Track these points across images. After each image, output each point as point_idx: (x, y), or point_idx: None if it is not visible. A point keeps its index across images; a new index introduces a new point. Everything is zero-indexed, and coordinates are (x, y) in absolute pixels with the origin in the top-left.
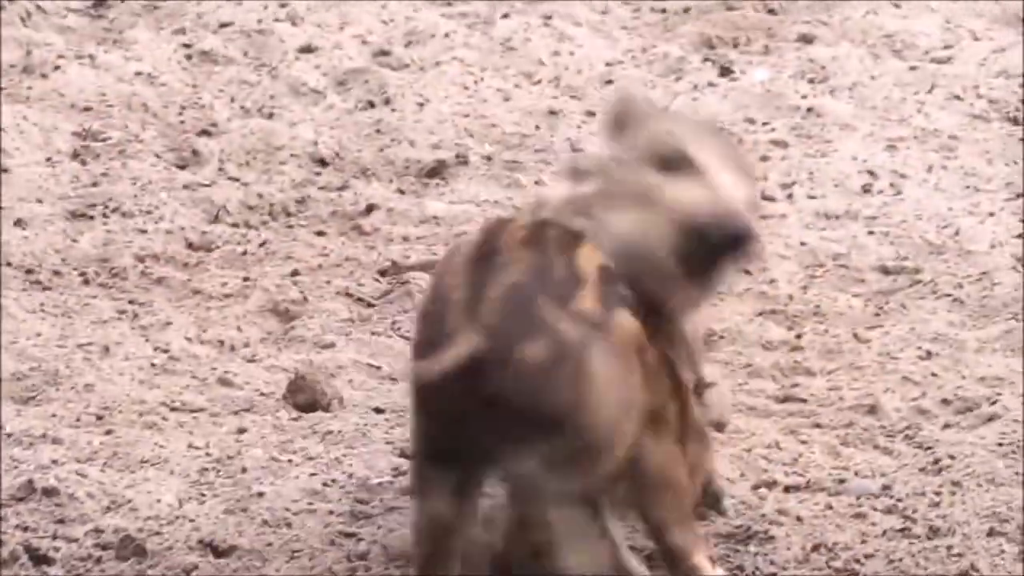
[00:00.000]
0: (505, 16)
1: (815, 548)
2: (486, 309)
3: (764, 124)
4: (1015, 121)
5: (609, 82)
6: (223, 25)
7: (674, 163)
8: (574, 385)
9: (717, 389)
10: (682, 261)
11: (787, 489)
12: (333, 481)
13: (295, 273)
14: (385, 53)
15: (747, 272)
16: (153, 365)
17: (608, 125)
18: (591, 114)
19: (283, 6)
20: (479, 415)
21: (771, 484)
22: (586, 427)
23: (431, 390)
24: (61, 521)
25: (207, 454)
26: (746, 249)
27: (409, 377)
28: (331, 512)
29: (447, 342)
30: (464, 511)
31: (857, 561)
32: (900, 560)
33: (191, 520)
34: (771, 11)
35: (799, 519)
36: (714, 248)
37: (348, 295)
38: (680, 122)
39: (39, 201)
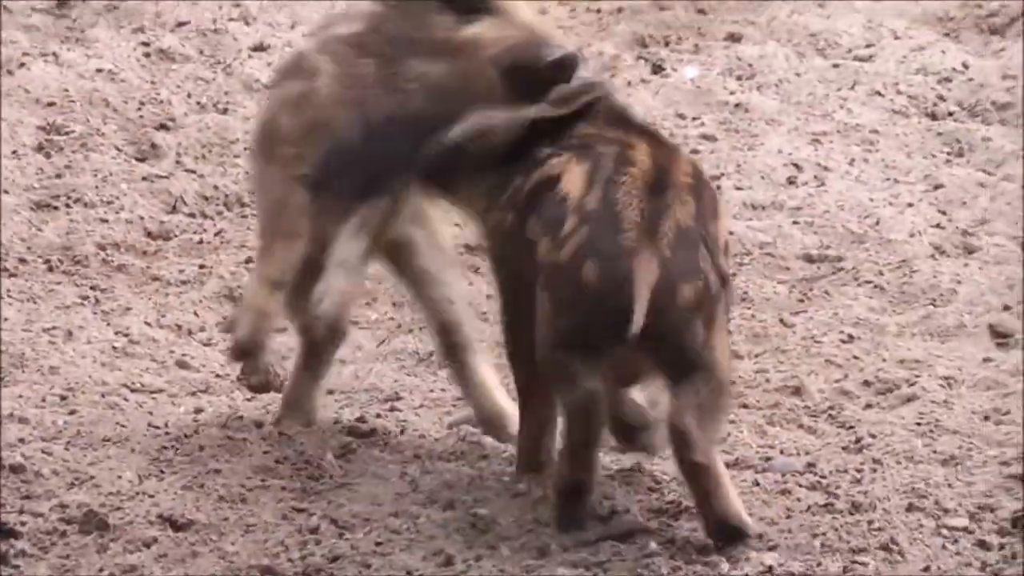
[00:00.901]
0: None
1: None
2: (662, 241)
3: (694, 119)
4: (933, 116)
5: None
6: (180, 24)
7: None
8: (709, 331)
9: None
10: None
11: None
12: (285, 459)
13: (249, 260)
14: None
15: None
16: (114, 348)
17: None
18: None
19: (236, 6)
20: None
21: None
22: (713, 368)
23: (605, 291)
24: (27, 497)
25: (166, 433)
26: (572, 70)
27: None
28: (283, 488)
29: (624, 255)
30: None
31: (783, 534)
32: (823, 534)
33: (151, 496)
34: (700, 11)
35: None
36: (542, 78)
37: None
38: None
39: (5, 192)
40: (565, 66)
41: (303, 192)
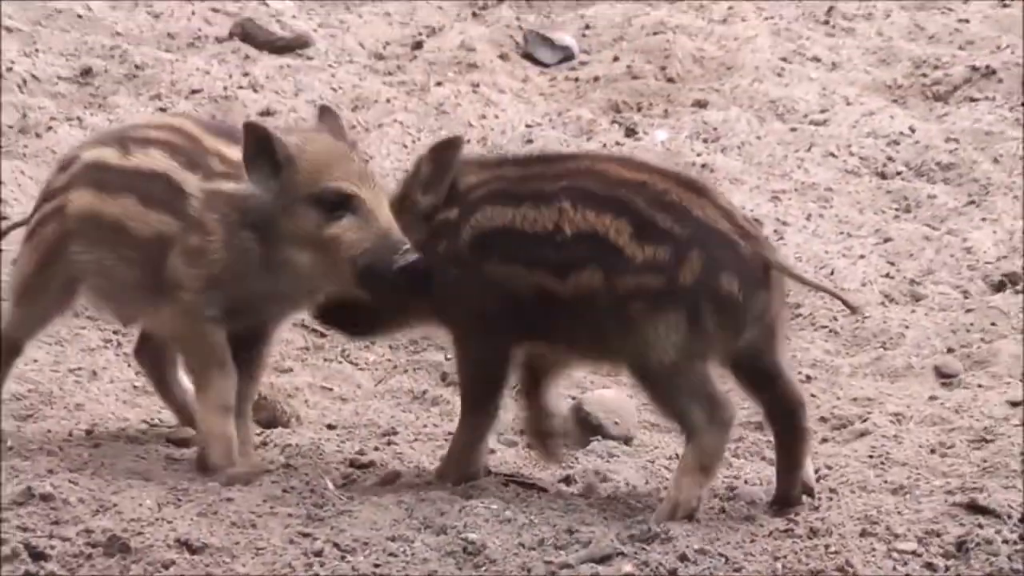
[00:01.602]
0: (439, 84)
1: (711, 545)
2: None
3: None
4: (882, 176)
5: (529, 141)
6: (193, 92)
7: (336, 204)
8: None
9: (625, 408)
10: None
11: None
12: (292, 488)
13: None
14: None
15: None
16: (135, 387)
17: (250, 158)
18: None
19: (245, 75)
20: None
21: None
22: None
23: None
24: (56, 523)
25: (182, 464)
26: (407, 278)
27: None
28: (290, 515)
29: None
30: None
31: (747, 557)
32: (784, 557)
33: (169, 522)
34: (670, 80)
35: (697, 521)
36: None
37: (304, 326)
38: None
39: None
40: (412, 271)
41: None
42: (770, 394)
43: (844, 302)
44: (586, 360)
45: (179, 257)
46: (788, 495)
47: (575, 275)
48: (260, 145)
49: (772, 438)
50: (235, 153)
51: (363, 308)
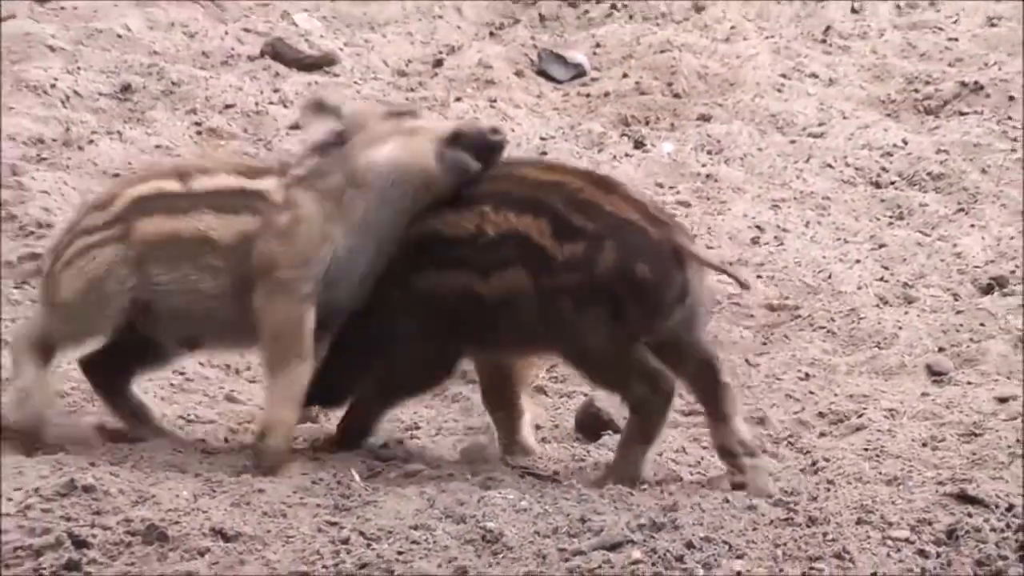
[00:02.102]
0: (458, 99)
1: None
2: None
3: (671, 188)
4: (877, 185)
5: (543, 153)
6: (227, 107)
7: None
8: None
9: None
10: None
11: (692, 486)
12: (320, 480)
13: None
14: None
15: None
16: (172, 385)
17: (308, 113)
18: None
19: (275, 91)
20: None
21: (679, 481)
22: None
23: None
24: (98, 513)
25: (216, 457)
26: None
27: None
28: (318, 505)
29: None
30: None
31: (749, 544)
32: (784, 544)
33: (204, 512)
34: (676, 95)
35: (702, 510)
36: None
37: None
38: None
39: None
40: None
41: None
42: (689, 363)
43: (736, 279)
44: (517, 357)
45: (270, 240)
46: (725, 447)
47: (499, 275)
48: (320, 113)
49: (700, 404)
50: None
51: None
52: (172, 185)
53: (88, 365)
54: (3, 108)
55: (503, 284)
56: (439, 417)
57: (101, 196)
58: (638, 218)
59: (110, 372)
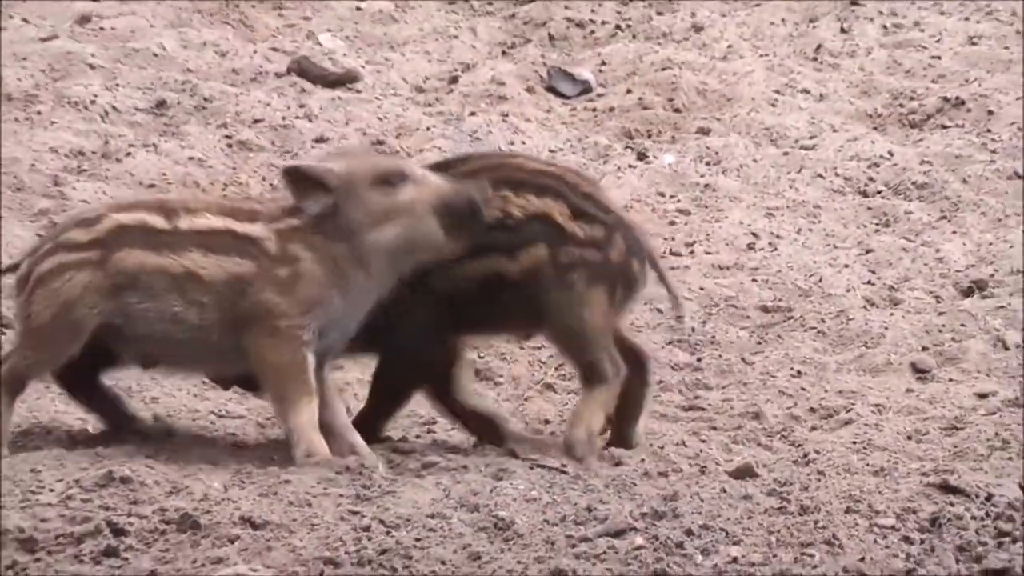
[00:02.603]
0: (472, 114)
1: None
2: None
3: (671, 197)
4: (864, 194)
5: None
6: (256, 121)
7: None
8: None
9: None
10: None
11: (691, 476)
12: (343, 471)
13: None
14: (380, 142)
15: (658, 311)
16: (204, 382)
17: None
18: None
19: (301, 106)
20: None
21: (679, 472)
22: None
23: None
24: (134, 502)
25: (245, 451)
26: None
27: None
28: (341, 495)
29: None
30: None
31: (745, 532)
32: (778, 531)
33: (234, 501)
34: (676, 110)
35: (701, 500)
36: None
37: None
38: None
39: None
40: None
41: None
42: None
43: (674, 297)
44: (507, 337)
45: (267, 288)
46: (624, 438)
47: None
48: (304, 183)
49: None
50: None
51: None
52: (157, 220)
53: (56, 375)
54: (47, 123)
55: (528, 260)
56: None
57: (87, 213)
58: (630, 218)
59: (78, 373)
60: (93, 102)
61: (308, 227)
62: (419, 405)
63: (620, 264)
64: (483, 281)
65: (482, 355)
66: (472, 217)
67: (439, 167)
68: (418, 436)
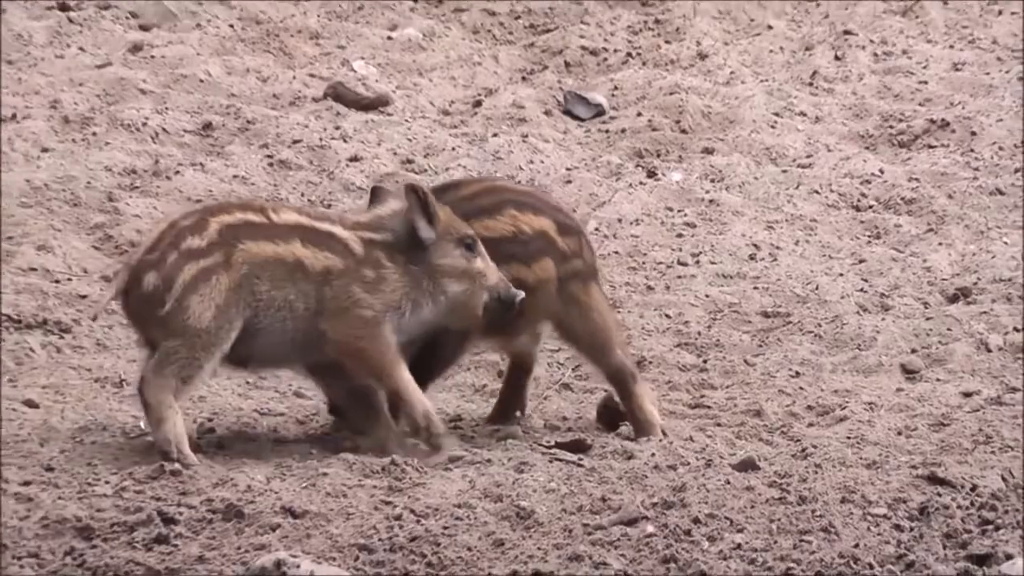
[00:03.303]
0: (495, 135)
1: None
2: None
3: (679, 211)
4: (857, 209)
5: (568, 182)
6: (295, 142)
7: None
8: None
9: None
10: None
11: (698, 469)
12: (376, 464)
13: None
14: (410, 161)
15: (667, 316)
16: (247, 382)
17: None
18: None
19: (337, 128)
20: None
21: (686, 465)
22: None
23: None
24: (183, 494)
25: (286, 446)
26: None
27: None
28: (375, 486)
29: None
30: None
31: (748, 520)
32: (778, 520)
33: (276, 492)
34: (683, 131)
35: (707, 491)
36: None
37: None
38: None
39: None
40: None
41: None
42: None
43: None
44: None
45: (354, 284)
46: (506, 414)
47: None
48: (422, 206)
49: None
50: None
51: None
52: (255, 217)
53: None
54: (101, 143)
55: (541, 271)
56: (478, 410)
57: (184, 223)
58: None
59: None
60: (145, 124)
61: (394, 244)
62: (446, 404)
63: (592, 263)
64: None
65: (504, 357)
66: (504, 311)
67: (438, 191)
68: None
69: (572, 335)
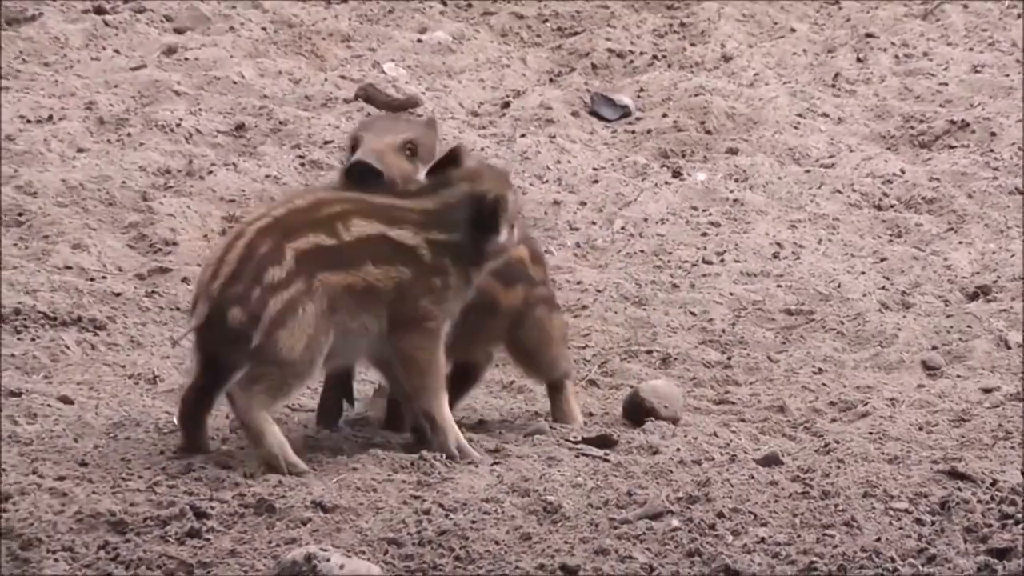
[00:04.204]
0: (523, 136)
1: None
2: None
3: (704, 211)
4: (879, 208)
5: (596, 182)
6: (326, 142)
7: None
8: None
9: (674, 395)
10: None
11: (722, 464)
12: (405, 460)
13: None
14: None
15: (692, 314)
16: None
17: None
18: (583, 204)
19: None
20: None
21: (711, 460)
22: None
23: None
24: (216, 488)
25: (317, 441)
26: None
27: None
28: (404, 481)
29: None
30: None
31: (772, 514)
32: (802, 514)
33: (307, 487)
34: (708, 132)
35: (731, 485)
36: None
37: None
38: None
39: (197, 265)
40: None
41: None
42: None
43: None
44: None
45: (424, 295)
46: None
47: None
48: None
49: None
50: None
51: None
52: (324, 239)
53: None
54: (136, 144)
55: (514, 297)
56: (505, 406)
57: (266, 248)
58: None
59: (199, 406)
60: (179, 125)
61: (459, 246)
62: (474, 401)
63: (551, 290)
64: (482, 301)
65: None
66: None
67: None
68: (473, 428)
69: (526, 355)
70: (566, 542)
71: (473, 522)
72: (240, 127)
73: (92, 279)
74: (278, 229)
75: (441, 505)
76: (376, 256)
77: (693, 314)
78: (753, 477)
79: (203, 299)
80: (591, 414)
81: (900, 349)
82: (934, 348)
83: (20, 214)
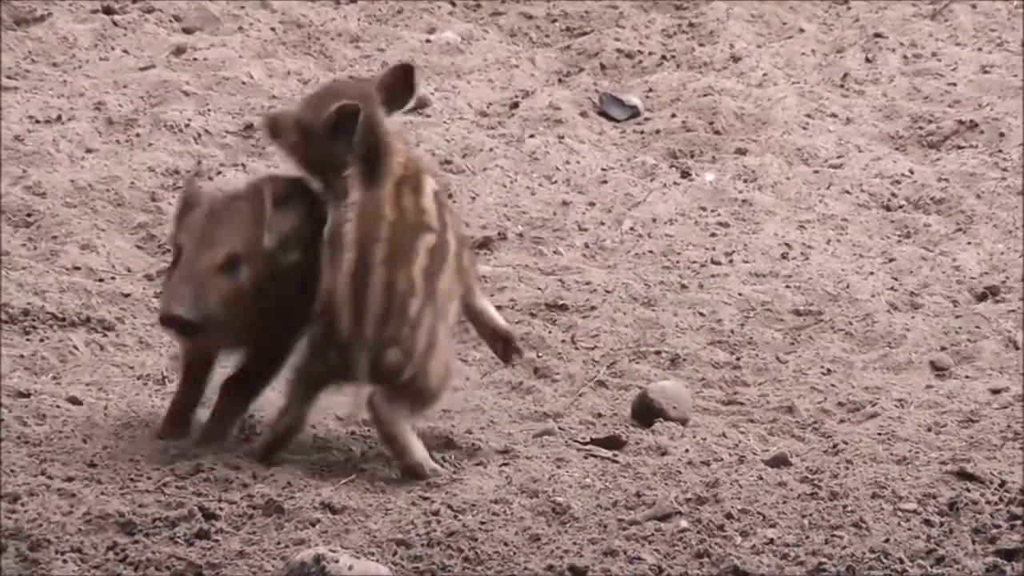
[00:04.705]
0: (532, 136)
1: (751, 506)
2: None
3: (713, 211)
4: (887, 208)
5: (604, 182)
6: None
7: None
8: None
9: (683, 396)
10: None
11: (731, 465)
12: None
13: None
14: (448, 162)
15: (701, 314)
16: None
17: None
18: (592, 204)
19: None
20: None
21: (720, 461)
22: None
23: None
24: (225, 490)
25: (327, 444)
26: None
27: None
28: (413, 483)
29: None
30: None
31: (780, 515)
32: (810, 515)
33: (316, 488)
34: (716, 132)
35: (740, 486)
36: None
37: None
38: None
39: None
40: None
41: None
42: None
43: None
44: None
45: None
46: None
47: None
48: None
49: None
50: None
51: None
52: (439, 256)
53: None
54: (145, 144)
55: None
56: (514, 407)
57: (404, 284)
58: None
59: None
60: (187, 125)
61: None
62: (483, 401)
63: None
64: None
65: (540, 354)
66: None
67: None
68: (482, 429)
69: None
70: (575, 543)
71: (482, 523)
72: (249, 127)
73: (101, 280)
74: (406, 256)
75: (450, 506)
76: (461, 254)
77: (702, 315)
78: (762, 478)
79: (357, 347)
80: (600, 414)
81: (909, 350)
82: (943, 349)
83: (29, 215)
